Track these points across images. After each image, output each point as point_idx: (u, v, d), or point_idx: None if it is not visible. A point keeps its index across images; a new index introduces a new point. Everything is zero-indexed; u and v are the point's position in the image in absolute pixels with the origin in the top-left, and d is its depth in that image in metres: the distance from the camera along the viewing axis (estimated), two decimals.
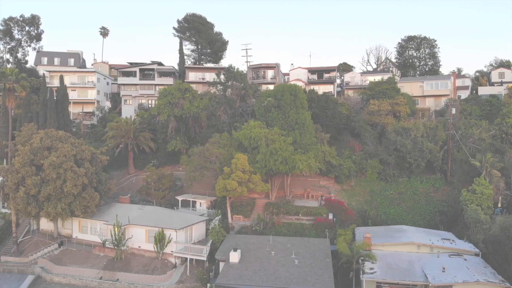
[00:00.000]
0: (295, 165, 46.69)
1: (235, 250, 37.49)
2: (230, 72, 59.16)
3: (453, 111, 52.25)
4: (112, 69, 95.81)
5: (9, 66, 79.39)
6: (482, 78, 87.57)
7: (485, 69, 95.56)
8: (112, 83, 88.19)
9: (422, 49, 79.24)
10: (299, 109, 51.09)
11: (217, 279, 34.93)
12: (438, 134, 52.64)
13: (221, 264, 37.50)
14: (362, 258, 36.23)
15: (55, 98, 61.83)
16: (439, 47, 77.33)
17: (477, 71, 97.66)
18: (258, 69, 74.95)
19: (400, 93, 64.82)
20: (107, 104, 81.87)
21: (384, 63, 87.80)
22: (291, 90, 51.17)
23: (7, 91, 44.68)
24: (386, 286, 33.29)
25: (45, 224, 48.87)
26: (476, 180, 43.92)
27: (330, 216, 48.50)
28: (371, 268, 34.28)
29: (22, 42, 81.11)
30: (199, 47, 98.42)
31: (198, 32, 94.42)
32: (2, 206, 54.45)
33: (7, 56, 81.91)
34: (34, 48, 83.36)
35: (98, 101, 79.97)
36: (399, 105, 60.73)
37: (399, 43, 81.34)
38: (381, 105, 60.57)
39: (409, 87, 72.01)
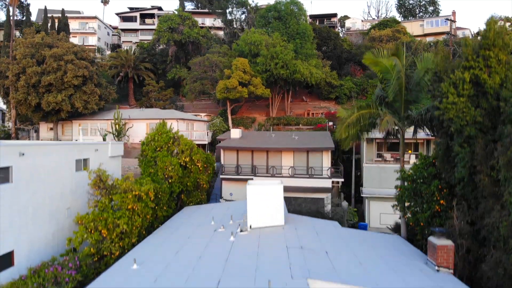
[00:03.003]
0: (296, 69, 46.64)
1: (236, 128, 37.42)
2: None
3: (454, 25, 52.16)
4: (114, 30, 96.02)
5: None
6: (481, 31, 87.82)
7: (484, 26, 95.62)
8: (113, 35, 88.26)
9: None
10: (299, 20, 51.07)
11: (218, 145, 34.81)
12: (439, 49, 52.60)
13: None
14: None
15: (56, 28, 61.98)
16: None
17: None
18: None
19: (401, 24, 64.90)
20: (108, 53, 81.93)
21: (384, 17, 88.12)
22: (292, 1, 51.22)
23: None
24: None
25: (45, 134, 48.72)
26: None
27: (330, 123, 48.42)
28: None
29: None
30: (199, 6, 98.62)
31: None
32: (2, 124, 54.40)
33: None
34: None
35: (99, 48, 79.96)
36: (400, 33, 60.77)
37: None
38: (382, 32, 60.65)
39: (410, 27, 71.94)
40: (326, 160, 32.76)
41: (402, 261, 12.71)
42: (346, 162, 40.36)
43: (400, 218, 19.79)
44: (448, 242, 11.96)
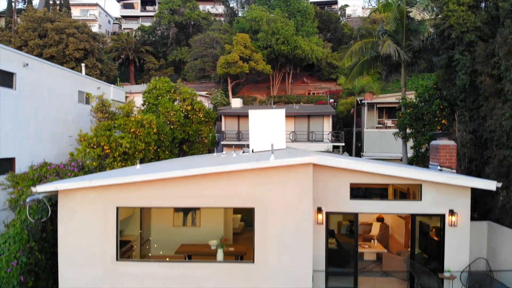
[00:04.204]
0: (297, 45, 46.69)
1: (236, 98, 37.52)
2: None
3: None
4: (115, 19, 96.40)
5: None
6: None
7: None
8: (113, 23, 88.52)
9: None
10: None
11: (219, 111, 34.92)
12: None
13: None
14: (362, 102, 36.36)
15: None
16: None
17: None
18: None
19: None
20: (109, 36, 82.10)
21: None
22: None
23: None
24: None
25: None
26: None
27: (331, 100, 48.50)
28: None
29: None
30: None
31: None
32: None
33: None
34: None
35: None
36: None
37: None
38: (383, 15, 60.77)
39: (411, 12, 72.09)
40: (327, 125, 32.88)
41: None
42: (347, 135, 40.34)
43: (401, 160, 19.87)
44: (450, 142, 11.96)
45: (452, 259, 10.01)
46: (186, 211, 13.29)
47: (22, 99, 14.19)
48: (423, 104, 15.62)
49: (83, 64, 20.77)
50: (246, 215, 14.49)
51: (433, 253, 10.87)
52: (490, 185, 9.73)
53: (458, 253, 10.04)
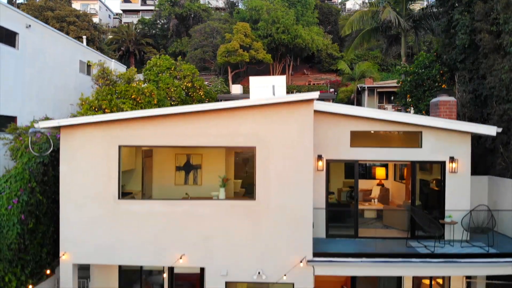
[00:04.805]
0: (297, 34, 46.79)
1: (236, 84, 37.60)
2: None
3: None
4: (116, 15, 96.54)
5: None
6: None
7: None
8: (114, 18, 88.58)
9: None
10: None
11: (218, 96, 34.99)
12: None
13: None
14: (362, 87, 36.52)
15: None
16: None
17: None
18: None
19: None
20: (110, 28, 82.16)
21: None
22: None
23: None
24: None
25: None
26: None
27: (331, 90, 48.55)
28: None
29: None
30: None
31: None
32: None
33: None
34: None
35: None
36: None
37: None
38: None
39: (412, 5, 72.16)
40: None
41: None
42: None
43: None
44: (450, 98, 11.97)
45: (453, 205, 10.04)
46: (187, 170, 13.34)
47: (24, 60, 14.23)
48: (423, 70, 15.66)
49: (84, 36, 20.87)
50: (247, 185, 14.50)
51: (434, 204, 10.91)
52: (491, 130, 9.77)
53: (459, 199, 10.08)
